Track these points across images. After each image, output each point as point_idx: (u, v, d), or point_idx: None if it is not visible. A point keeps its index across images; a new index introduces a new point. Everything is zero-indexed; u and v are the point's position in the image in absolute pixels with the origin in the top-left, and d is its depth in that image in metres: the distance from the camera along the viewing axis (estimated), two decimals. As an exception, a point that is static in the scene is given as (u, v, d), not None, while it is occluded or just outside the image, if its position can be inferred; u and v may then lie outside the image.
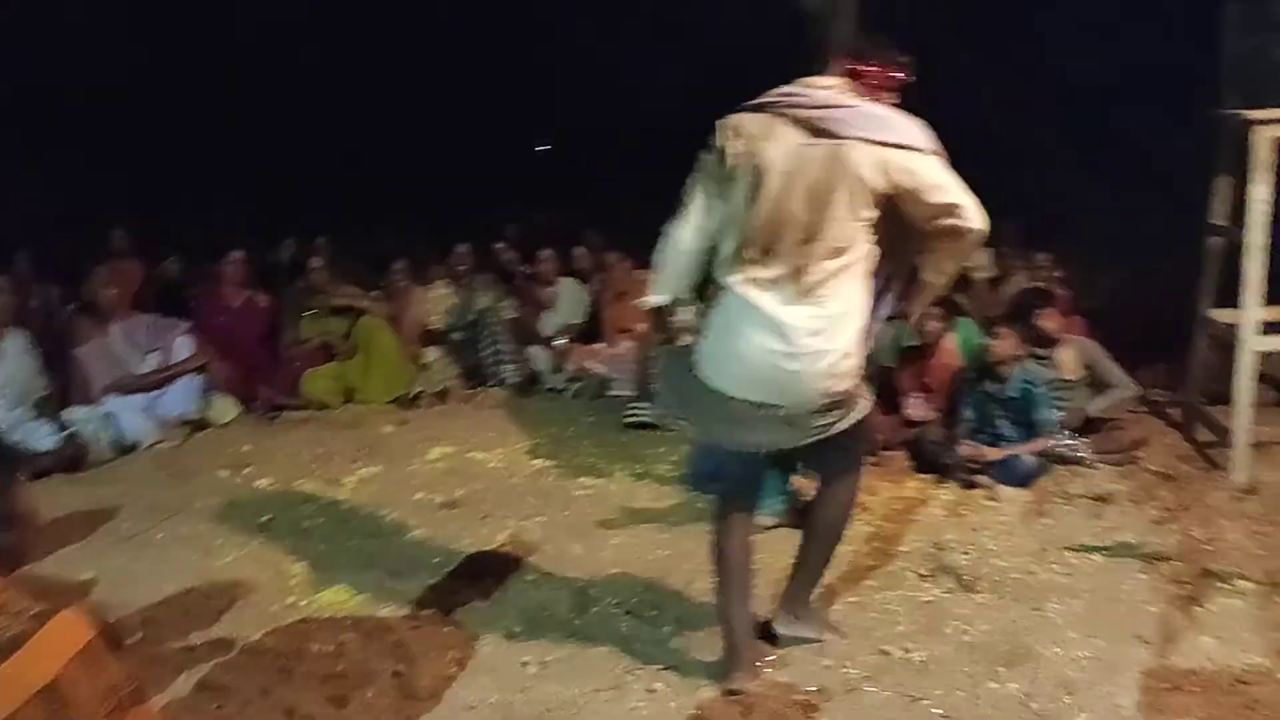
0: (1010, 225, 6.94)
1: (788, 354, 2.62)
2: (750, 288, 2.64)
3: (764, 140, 2.63)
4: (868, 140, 2.58)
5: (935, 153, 2.64)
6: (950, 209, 2.61)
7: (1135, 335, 5.43)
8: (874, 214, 2.63)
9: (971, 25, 9.50)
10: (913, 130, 2.63)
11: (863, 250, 2.65)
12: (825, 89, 2.68)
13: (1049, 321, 4.85)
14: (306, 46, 10.94)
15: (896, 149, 2.58)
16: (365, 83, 11.21)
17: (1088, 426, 4.76)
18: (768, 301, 2.63)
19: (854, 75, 3.07)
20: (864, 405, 2.83)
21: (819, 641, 3.06)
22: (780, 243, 2.62)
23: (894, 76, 2.98)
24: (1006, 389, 4.57)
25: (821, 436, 2.77)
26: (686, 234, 2.75)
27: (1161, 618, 3.23)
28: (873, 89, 2.98)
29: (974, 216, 2.62)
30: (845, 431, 2.79)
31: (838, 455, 2.91)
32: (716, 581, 2.92)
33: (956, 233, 2.64)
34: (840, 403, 2.73)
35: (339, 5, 11.10)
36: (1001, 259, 6.42)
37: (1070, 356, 4.84)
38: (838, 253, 2.61)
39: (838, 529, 3.01)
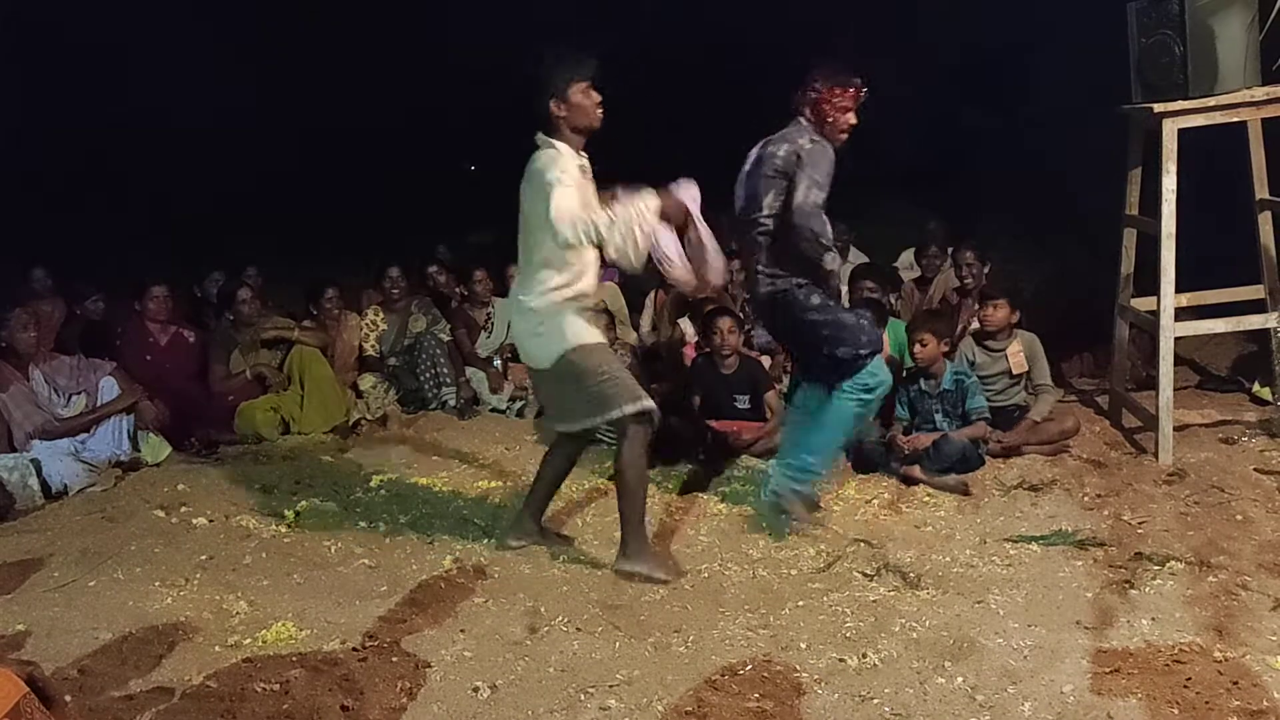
0: (936, 225, 7.11)
1: None
2: None
3: None
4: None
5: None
6: None
7: (1060, 327, 5.60)
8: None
9: (886, 28, 9.72)
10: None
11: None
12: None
13: (999, 313, 4.96)
14: (231, 74, 10.78)
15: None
16: (289, 108, 11.08)
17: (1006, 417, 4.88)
18: None
19: (816, 102, 3.86)
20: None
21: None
22: None
23: (845, 96, 3.84)
24: (941, 383, 4.68)
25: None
26: None
27: (1098, 602, 3.32)
28: (835, 111, 3.83)
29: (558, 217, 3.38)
30: None
31: None
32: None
33: None
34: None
35: (264, 31, 10.97)
36: (928, 259, 6.54)
37: (1018, 350, 4.96)
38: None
39: (628, 483, 3.70)
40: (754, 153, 3.96)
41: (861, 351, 3.89)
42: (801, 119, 3.88)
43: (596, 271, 3.66)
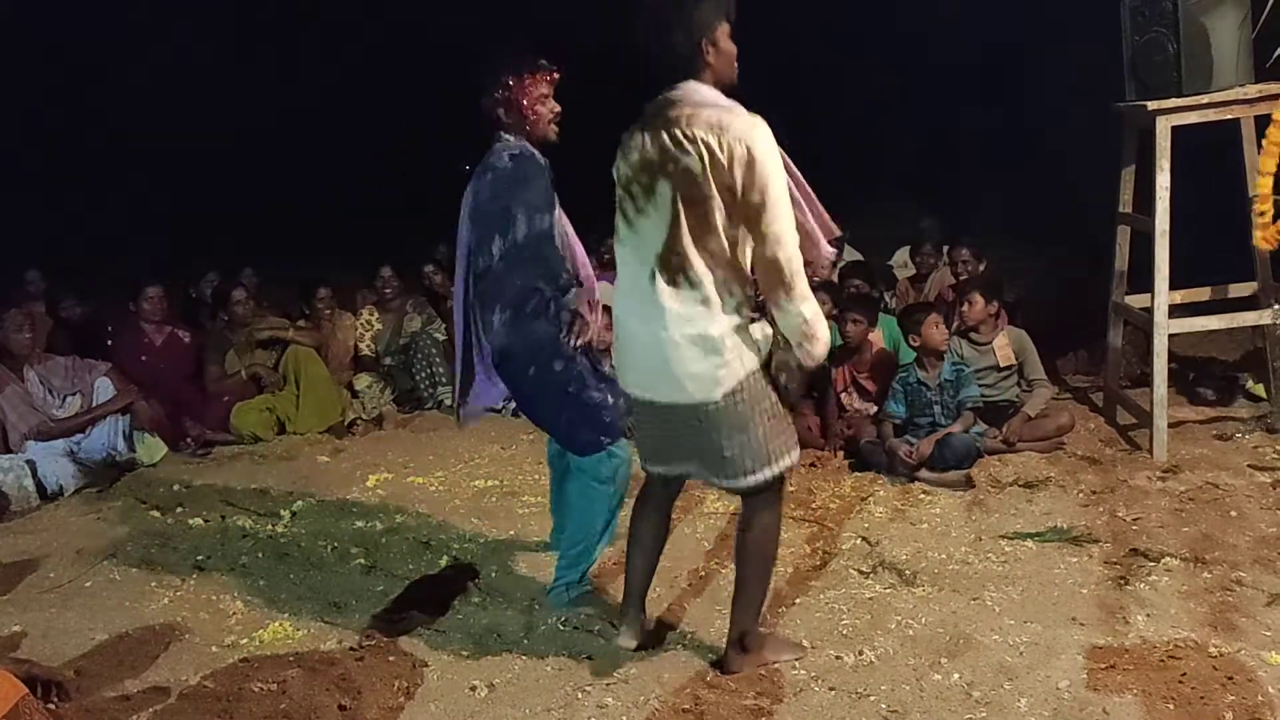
0: (930, 222, 7.12)
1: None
2: None
3: None
4: None
5: None
6: None
7: (1055, 324, 5.61)
8: None
9: (884, 27, 9.73)
10: None
11: None
12: None
13: (974, 308, 4.98)
14: (228, 74, 10.78)
15: None
16: (288, 108, 11.07)
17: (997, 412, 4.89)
18: None
19: (510, 102, 3.27)
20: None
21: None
22: None
23: (539, 81, 3.26)
24: (940, 374, 4.69)
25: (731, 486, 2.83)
26: None
27: (1094, 599, 3.33)
28: (535, 103, 3.26)
29: None
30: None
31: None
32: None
33: None
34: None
35: (256, 32, 10.96)
36: (923, 256, 6.55)
37: (1005, 344, 4.97)
38: None
39: (762, 552, 2.92)
40: (468, 190, 3.32)
41: (603, 438, 3.29)
42: (501, 133, 3.26)
43: None
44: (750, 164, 2.55)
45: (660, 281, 2.67)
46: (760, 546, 2.90)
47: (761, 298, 2.72)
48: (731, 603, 2.97)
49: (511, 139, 3.25)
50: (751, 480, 2.78)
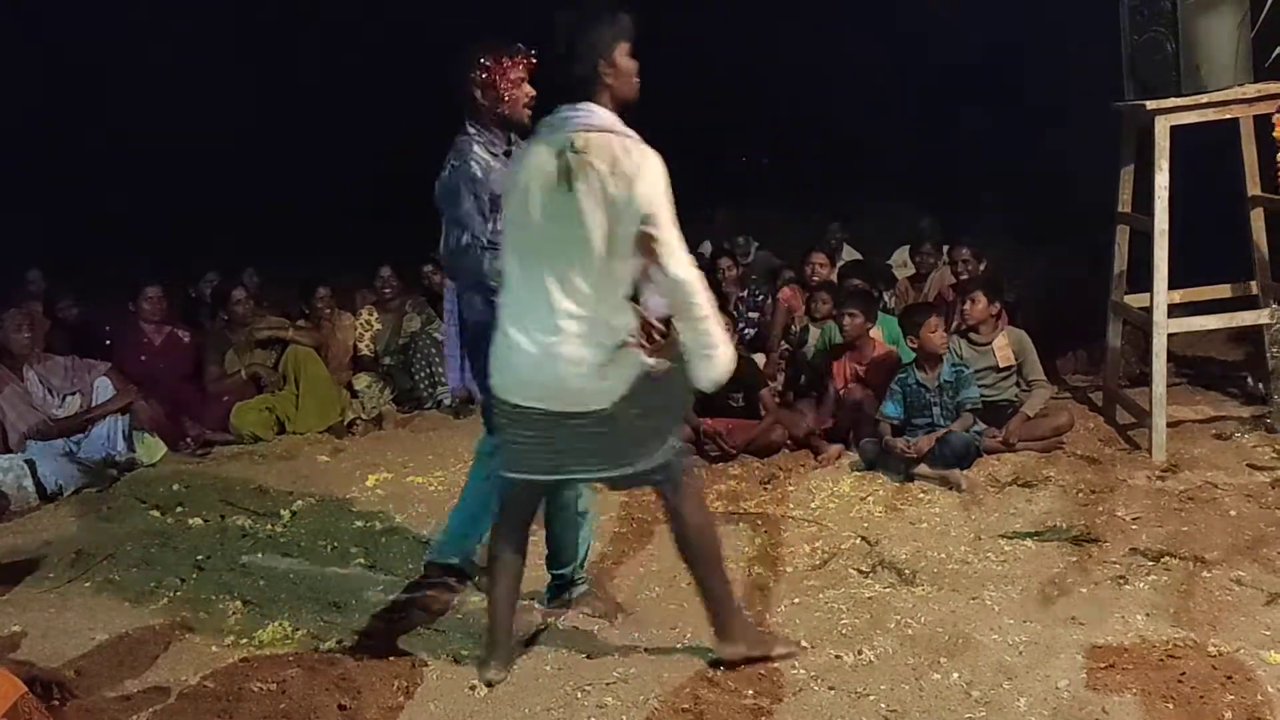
0: (929, 222, 7.12)
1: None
2: None
3: None
4: None
5: None
6: None
7: (1054, 323, 5.61)
8: None
9: (883, 26, 9.74)
10: None
11: None
12: None
13: (976, 306, 4.98)
14: (227, 73, 10.77)
15: None
16: (285, 108, 11.07)
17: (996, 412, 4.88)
18: None
19: (488, 84, 3.27)
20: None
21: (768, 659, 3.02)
22: None
23: (516, 65, 3.26)
24: (939, 375, 4.69)
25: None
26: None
27: (1093, 598, 3.33)
28: (511, 86, 3.26)
29: None
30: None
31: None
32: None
33: None
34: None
35: (256, 32, 10.96)
36: (922, 256, 6.56)
37: (1005, 344, 4.97)
38: None
39: (702, 544, 2.95)
40: None
41: None
42: (468, 122, 3.27)
43: None
44: (642, 190, 2.63)
45: (550, 296, 2.72)
46: (700, 541, 2.94)
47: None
48: (704, 605, 3.00)
49: (473, 130, 3.25)
50: (649, 464, 2.84)
